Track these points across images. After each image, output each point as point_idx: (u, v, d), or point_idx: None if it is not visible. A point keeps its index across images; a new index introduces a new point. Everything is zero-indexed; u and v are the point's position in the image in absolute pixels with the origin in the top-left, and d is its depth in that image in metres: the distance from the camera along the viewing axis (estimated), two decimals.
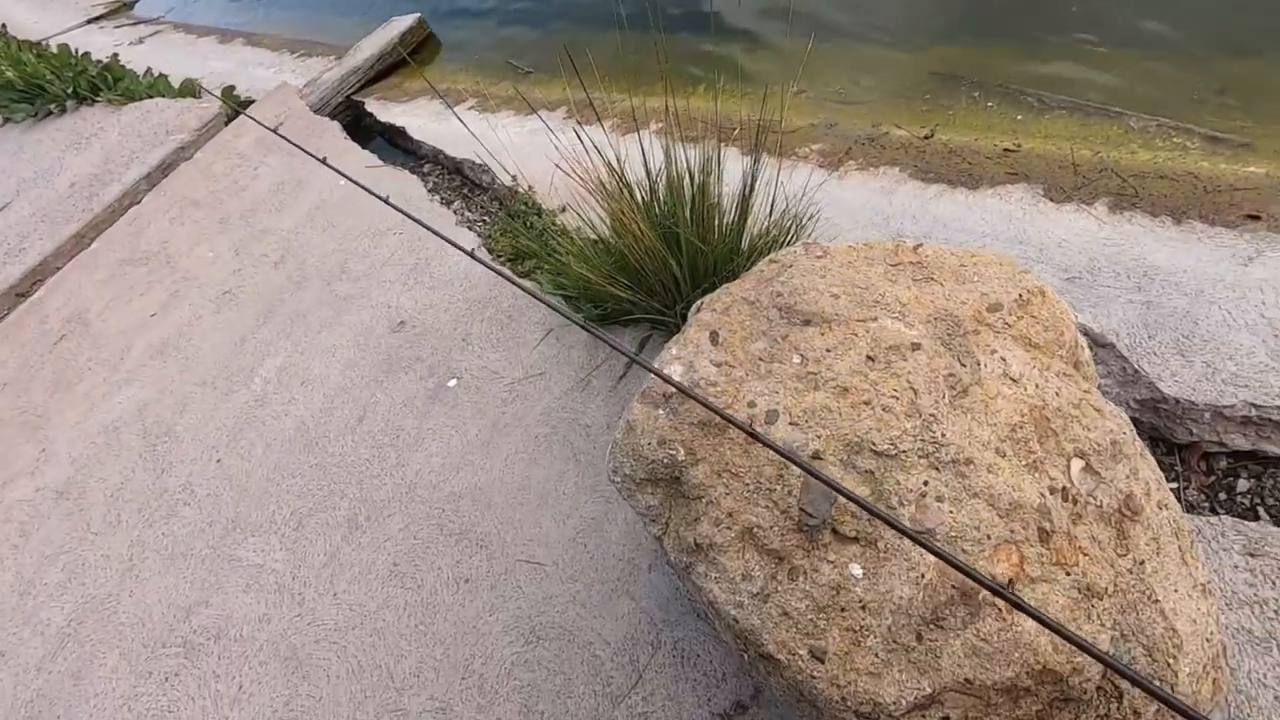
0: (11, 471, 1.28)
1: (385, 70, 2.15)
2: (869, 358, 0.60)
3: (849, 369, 0.60)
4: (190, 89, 2.28)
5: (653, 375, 0.63)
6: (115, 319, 1.47)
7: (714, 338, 0.65)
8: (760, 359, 0.62)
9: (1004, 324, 0.64)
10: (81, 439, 1.27)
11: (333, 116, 1.98)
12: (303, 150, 0.90)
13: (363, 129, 2.01)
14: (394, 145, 1.85)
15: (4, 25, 3.54)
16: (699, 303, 0.71)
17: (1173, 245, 0.93)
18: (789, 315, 0.64)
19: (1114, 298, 0.89)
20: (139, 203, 1.85)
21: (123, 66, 2.50)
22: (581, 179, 0.91)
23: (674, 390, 0.62)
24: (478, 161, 1.54)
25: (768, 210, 0.94)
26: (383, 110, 1.92)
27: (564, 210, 1.28)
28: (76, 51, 2.60)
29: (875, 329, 0.61)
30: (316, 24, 2.76)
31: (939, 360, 0.59)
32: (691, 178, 0.90)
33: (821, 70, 1.45)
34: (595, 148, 0.92)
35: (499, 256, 1.22)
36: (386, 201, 0.91)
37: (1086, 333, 0.85)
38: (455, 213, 1.46)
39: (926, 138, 1.20)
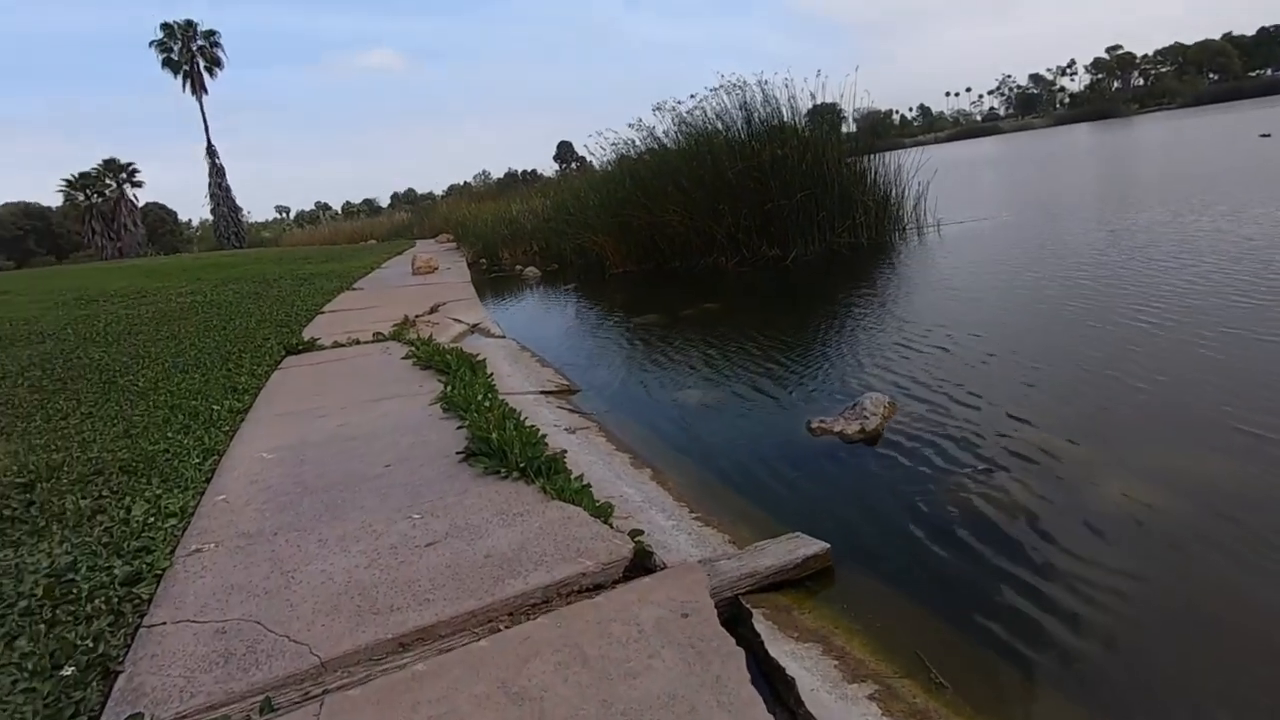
0: None
1: (778, 583, 2.23)
2: None
3: None
4: (605, 512, 2.62)
5: None
6: None
7: None
8: None
9: None
10: None
11: (719, 609, 2.03)
12: None
13: (736, 632, 2.00)
14: (773, 689, 1.79)
15: (492, 374, 4.77)
16: None
17: None
18: None
19: None
20: (534, 618, 2.00)
21: (563, 462, 3.03)
22: None
23: None
24: None
25: None
26: (771, 639, 1.92)
27: None
28: (539, 434, 3.28)
29: None
30: (715, 484, 3.11)
31: None
32: None
33: None
34: None
35: None
36: None
37: None
38: None
39: None
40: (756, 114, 9.85)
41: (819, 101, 10.16)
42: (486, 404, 3.73)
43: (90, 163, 43.52)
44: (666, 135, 10.95)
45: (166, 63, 38.74)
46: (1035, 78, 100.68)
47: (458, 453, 3.24)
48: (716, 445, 3.57)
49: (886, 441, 3.25)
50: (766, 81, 9.86)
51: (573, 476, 2.92)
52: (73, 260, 41.83)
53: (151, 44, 38.51)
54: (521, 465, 2.96)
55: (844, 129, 10.29)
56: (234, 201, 42.71)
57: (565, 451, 3.15)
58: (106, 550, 2.50)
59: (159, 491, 3.05)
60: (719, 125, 10.16)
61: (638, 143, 11.47)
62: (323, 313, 8.41)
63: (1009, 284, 6.11)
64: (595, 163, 14.21)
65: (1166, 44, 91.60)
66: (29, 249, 50.02)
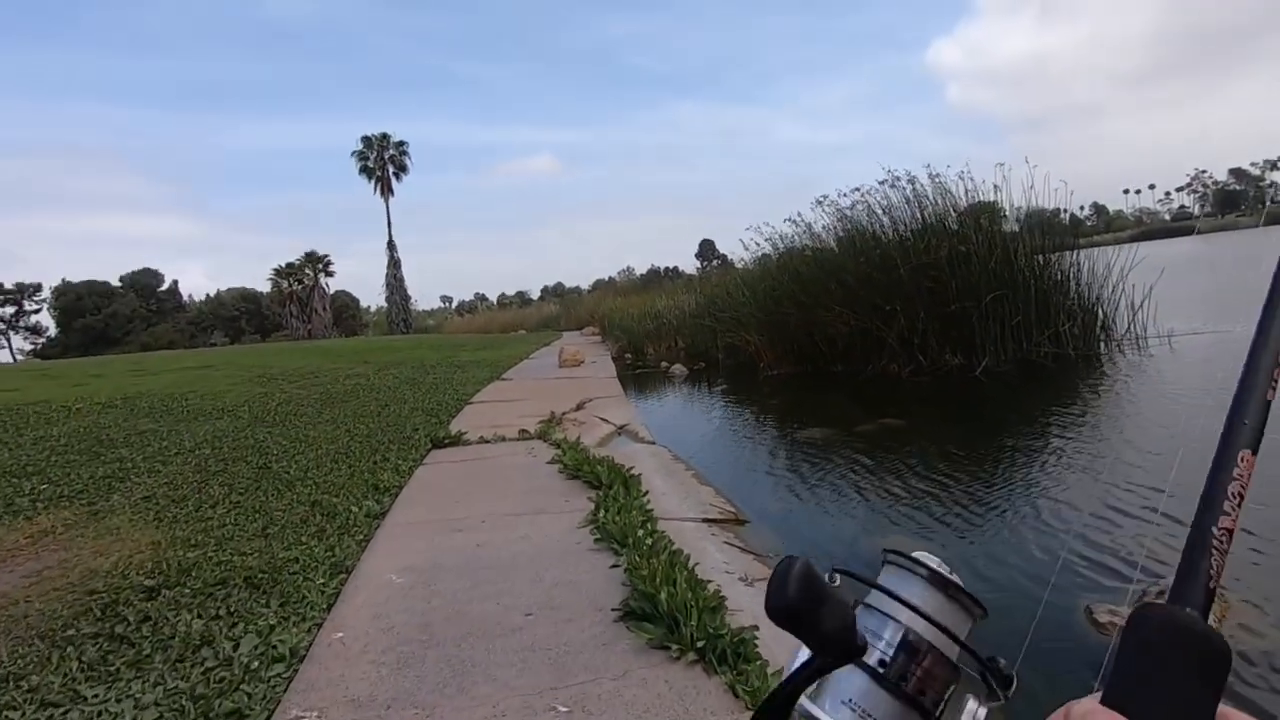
0: None
1: None
2: None
3: None
4: None
5: None
6: None
7: None
8: None
9: None
10: None
11: None
12: None
13: None
14: None
15: (647, 492, 4.13)
16: None
17: None
18: None
19: None
20: None
21: (754, 643, 2.26)
22: None
23: None
24: None
25: None
26: None
27: None
28: (718, 596, 2.54)
29: None
30: None
31: None
32: None
33: None
34: None
35: None
36: None
37: None
38: None
39: None
40: (930, 207, 9.03)
41: (981, 199, 9.18)
42: (648, 540, 3.06)
43: (295, 254, 50.18)
44: (826, 230, 10.36)
45: (363, 169, 44.57)
46: (1237, 172, 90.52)
47: (614, 609, 2.57)
48: None
49: (1238, 662, 2.17)
50: (938, 174, 9.08)
51: (769, 670, 2.13)
52: (272, 339, 47.77)
53: (352, 154, 44.65)
54: (699, 643, 2.22)
55: (1005, 227, 9.18)
56: (405, 291, 47.27)
57: (757, 627, 2.37)
58: (195, 709, 2.03)
59: (274, 621, 2.62)
60: (886, 220, 9.42)
61: (795, 239, 10.97)
62: (471, 403, 8.34)
63: None
64: (739, 259, 13.80)
65: None
66: (240, 328, 57.98)
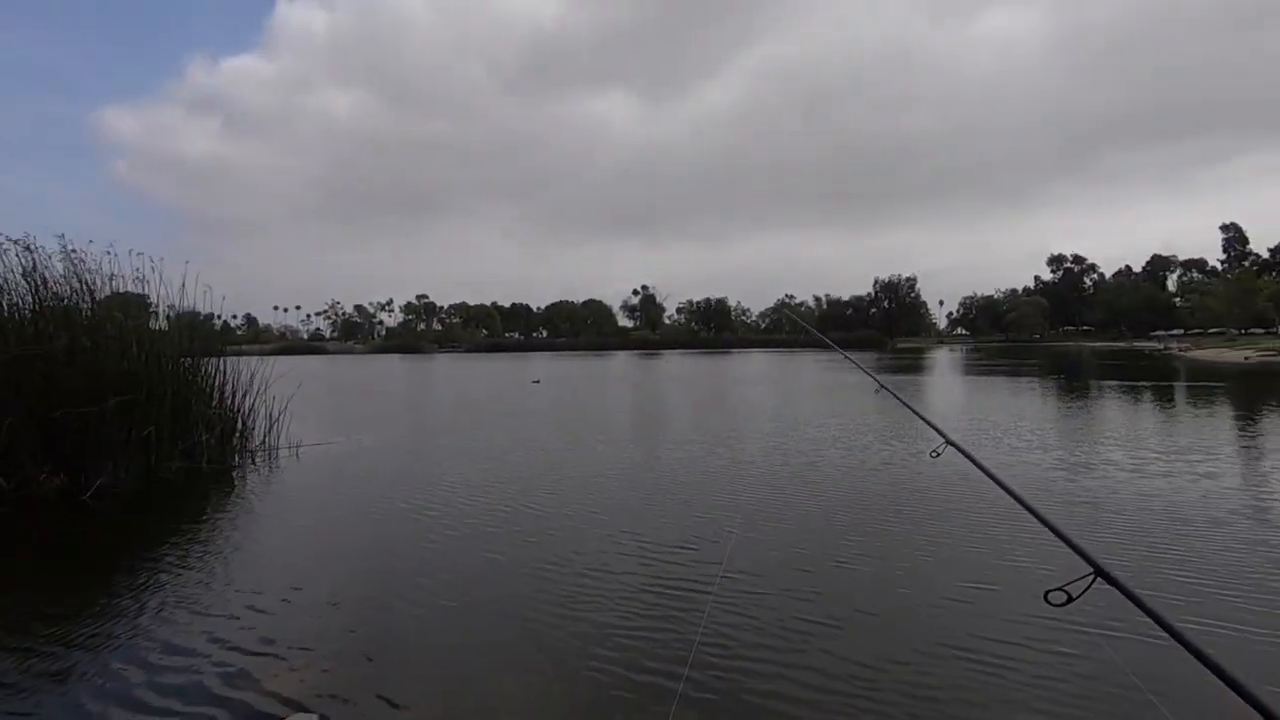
0: None
1: None
2: None
3: None
4: None
5: None
6: None
7: None
8: None
9: None
10: None
11: None
12: None
13: None
14: None
15: None
16: None
17: None
18: None
19: None
20: None
21: None
22: None
23: None
24: None
25: None
26: None
27: None
28: None
29: None
30: None
31: None
32: None
33: None
34: None
35: None
36: None
37: None
38: None
39: None
40: (56, 287, 7.28)
41: (130, 289, 8.27)
42: None
43: None
44: None
45: None
46: (359, 308, 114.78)
47: None
48: None
49: None
50: (76, 249, 7.52)
51: None
52: None
53: None
54: None
55: (154, 324, 8.56)
56: None
57: None
58: None
59: None
60: None
61: None
62: None
63: (393, 513, 5.66)
64: None
65: (457, 301, 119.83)
66: None
